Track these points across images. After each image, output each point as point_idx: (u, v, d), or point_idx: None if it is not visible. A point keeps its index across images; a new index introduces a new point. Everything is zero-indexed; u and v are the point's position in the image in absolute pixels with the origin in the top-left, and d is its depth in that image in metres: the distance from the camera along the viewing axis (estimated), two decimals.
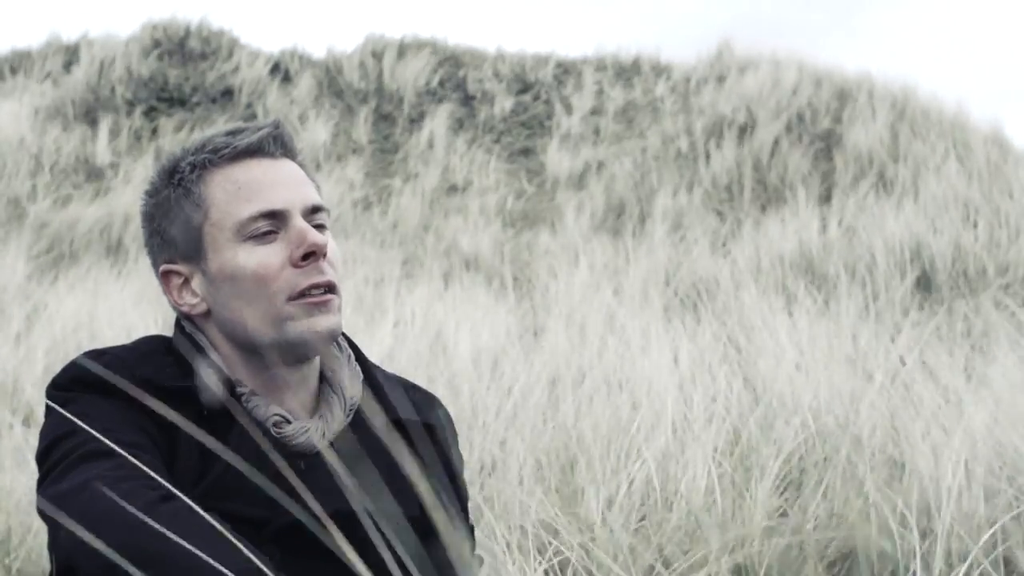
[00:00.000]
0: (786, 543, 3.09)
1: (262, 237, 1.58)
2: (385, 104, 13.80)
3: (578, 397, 4.12)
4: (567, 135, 12.90)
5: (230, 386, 1.58)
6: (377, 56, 14.48)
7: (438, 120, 13.17)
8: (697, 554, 2.95)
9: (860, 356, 4.80)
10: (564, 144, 12.67)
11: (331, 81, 14.19)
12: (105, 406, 1.52)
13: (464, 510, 1.77)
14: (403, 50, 14.53)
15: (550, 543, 2.98)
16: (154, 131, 13.13)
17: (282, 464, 1.56)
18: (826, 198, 10.83)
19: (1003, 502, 3.27)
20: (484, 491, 3.35)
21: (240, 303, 1.58)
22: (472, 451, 3.61)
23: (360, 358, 1.71)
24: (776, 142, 11.75)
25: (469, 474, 3.40)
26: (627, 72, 14.28)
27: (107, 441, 1.47)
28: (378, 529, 1.65)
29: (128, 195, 11.20)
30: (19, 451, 3.95)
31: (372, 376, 1.70)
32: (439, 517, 1.71)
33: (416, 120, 13.48)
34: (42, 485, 1.48)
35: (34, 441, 3.68)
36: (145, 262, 8.67)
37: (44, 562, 3.29)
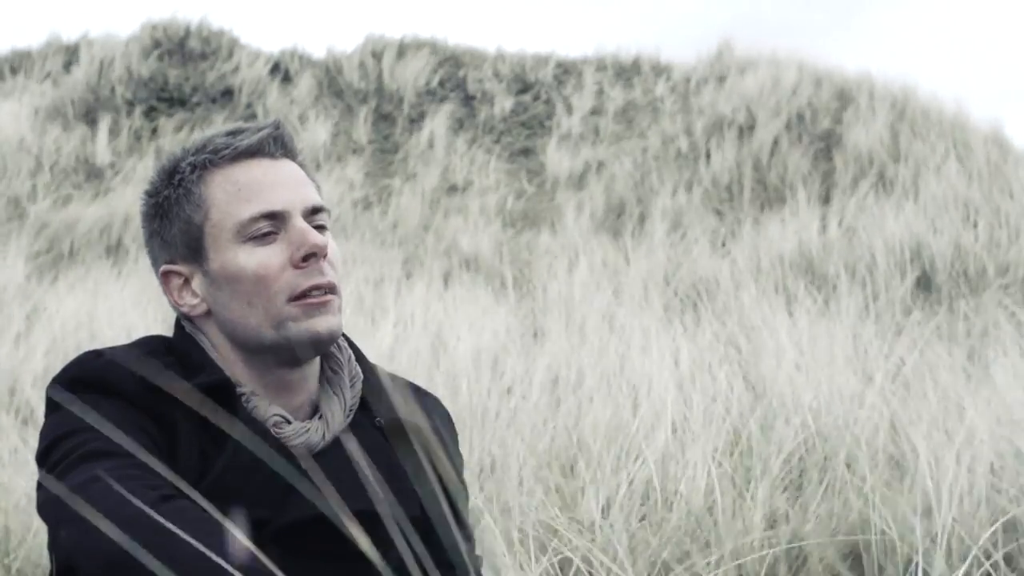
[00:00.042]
0: (786, 543, 3.09)
1: (262, 238, 1.58)
2: (385, 104, 13.80)
3: (578, 397, 4.12)
4: (567, 135, 12.90)
5: (230, 386, 1.58)
6: (377, 56, 14.48)
7: (438, 120, 13.17)
8: (697, 554, 2.95)
9: (860, 356, 4.79)
10: (564, 144, 12.68)
11: (331, 81, 14.19)
12: (105, 406, 1.52)
13: (464, 510, 1.77)
14: (403, 50, 14.53)
15: (551, 543, 2.98)
16: (154, 131, 13.13)
17: (286, 462, 1.56)
18: (826, 198, 10.84)
19: (1004, 502, 3.27)
20: (484, 491, 3.34)
21: (240, 304, 1.58)
22: (472, 451, 3.60)
23: (360, 358, 1.71)
24: (776, 142, 11.75)
25: (469, 474, 3.39)
26: (627, 72, 14.28)
27: (112, 438, 1.47)
28: (375, 529, 1.65)
29: (128, 195, 11.20)
30: (19, 451, 3.95)
31: (372, 376, 1.70)
32: (439, 518, 1.71)
33: (416, 120, 13.48)
34: (42, 485, 1.48)
35: (33, 441, 3.68)
36: (145, 262, 8.66)
37: (44, 562, 3.28)
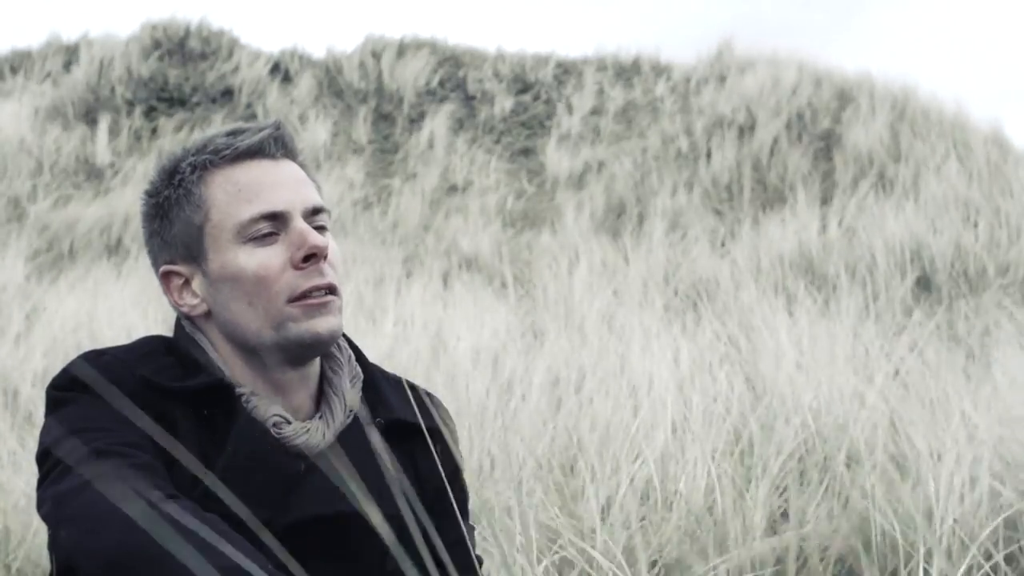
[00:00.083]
0: (787, 543, 3.09)
1: (263, 239, 1.58)
2: (385, 104, 13.80)
3: (578, 397, 4.12)
4: (567, 135, 12.90)
5: (230, 387, 1.58)
6: (377, 56, 14.48)
7: (438, 120, 13.17)
8: (697, 554, 2.95)
9: (860, 356, 4.79)
10: (564, 144, 12.67)
11: (331, 81, 14.19)
12: (105, 406, 1.52)
13: (464, 510, 1.77)
14: (403, 50, 14.53)
15: (551, 543, 2.98)
16: (154, 131, 13.13)
17: (287, 463, 1.56)
18: (826, 198, 10.83)
19: (1005, 502, 3.27)
20: (484, 491, 3.34)
21: (240, 304, 1.58)
22: (472, 451, 3.60)
23: (360, 359, 1.71)
24: (776, 142, 11.75)
25: (469, 474, 3.39)
26: (627, 72, 14.28)
27: (112, 437, 1.47)
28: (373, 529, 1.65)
29: (128, 195, 11.20)
30: (18, 451, 3.95)
31: (372, 377, 1.70)
32: (438, 517, 1.71)
33: (416, 120, 13.48)
34: (42, 485, 1.48)
35: (33, 441, 3.68)
36: (145, 262, 8.67)
37: (44, 562, 3.28)
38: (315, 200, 1.62)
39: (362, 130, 13.26)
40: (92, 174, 12.31)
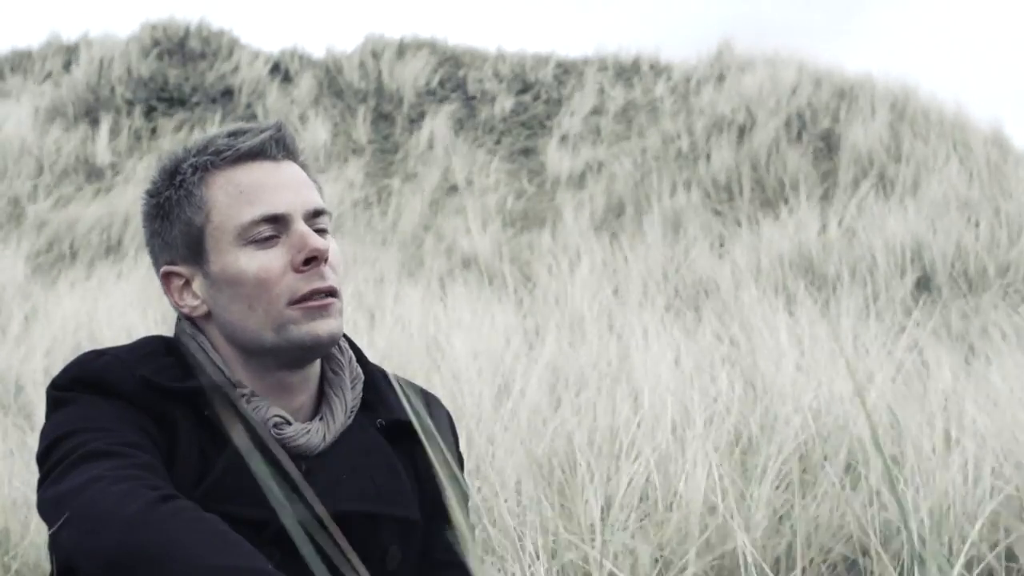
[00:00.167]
0: (787, 543, 3.09)
1: (264, 241, 1.58)
2: (385, 104, 13.80)
3: (578, 397, 4.12)
4: (567, 135, 12.90)
5: (230, 387, 1.58)
6: (377, 56, 14.47)
7: (438, 120, 13.17)
8: (697, 555, 2.95)
9: (861, 356, 4.79)
10: (564, 144, 12.67)
11: (331, 81, 14.19)
12: (105, 406, 1.52)
13: (465, 511, 1.77)
14: (403, 50, 14.53)
15: (552, 543, 2.97)
16: (154, 131, 13.13)
17: (287, 463, 1.56)
18: (826, 198, 10.83)
19: (1005, 501, 3.27)
20: (483, 492, 3.34)
21: (241, 306, 1.58)
22: (471, 451, 3.60)
23: (361, 359, 1.71)
24: (776, 142, 11.74)
25: (468, 474, 3.39)
26: (627, 72, 14.27)
27: (112, 438, 1.47)
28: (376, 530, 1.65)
29: (128, 195, 11.20)
30: (18, 451, 3.95)
31: (373, 377, 1.70)
32: (439, 518, 1.71)
33: (416, 120, 13.48)
34: (42, 485, 1.48)
35: (33, 441, 3.67)
36: (145, 262, 8.67)
37: (43, 562, 3.28)
38: (316, 202, 1.61)
39: (362, 130, 13.26)
40: (92, 174, 12.31)
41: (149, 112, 13.45)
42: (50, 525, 1.43)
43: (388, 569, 1.61)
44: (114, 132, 12.89)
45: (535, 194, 11.92)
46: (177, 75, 13.91)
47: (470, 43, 15.25)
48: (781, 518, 3.34)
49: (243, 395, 1.59)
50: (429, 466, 1.70)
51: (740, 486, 3.31)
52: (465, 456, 3.03)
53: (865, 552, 3.20)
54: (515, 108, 13.71)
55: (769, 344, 4.96)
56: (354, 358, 1.70)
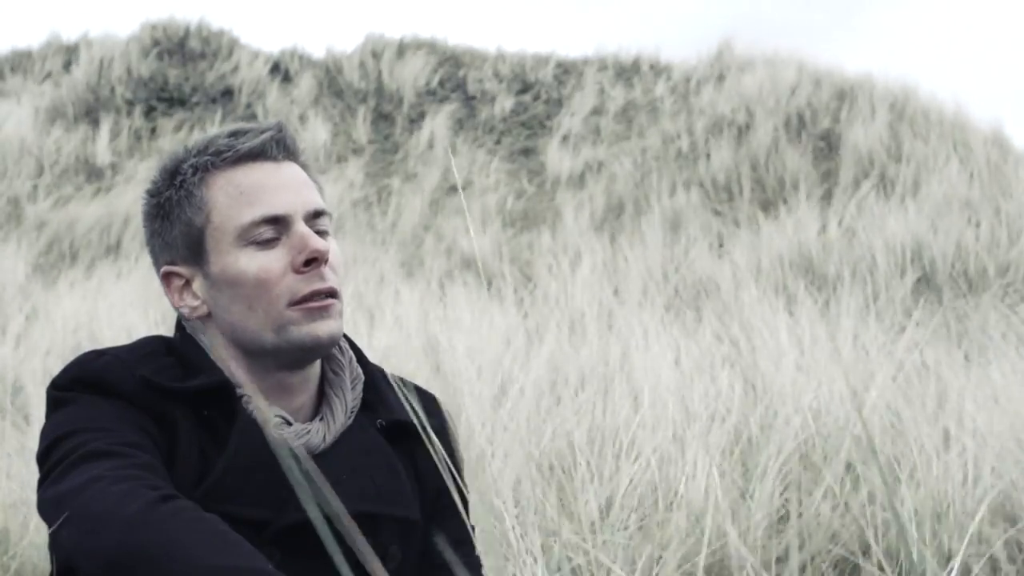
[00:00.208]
0: (788, 543, 3.09)
1: (264, 243, 1.58)
2: (385, 104, 13.80)
3: (578, 397, 4.12)
4: (567, 135, 12.90)
5: (231, 387, 1.58)
6: (377, 56, 14.47)
7: (438, 120, 13.17)
8: (698, 555, 2.95)
9: (861, 356, 4.79)
10: (564, 144, 12.67)
11: (331, 81, 14.19)
12: (105, 406, 1.52)
13: (464, 511, 1.77)
14: (403, 50, 14.53)
15: (553, 543, 2.97)
16: (154, 131, 13.13)
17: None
18: (826, 198, 10.83)
19: (1005, 501, 3.27)
20: (482, 492, 3.34)
21: (241, 307, 1.58)
22: (470, 451, 3.60)
23: (361, 359, 1.71)
24: (776, 142, 11.74)
25: (467, 474, 3.39)
26: (627, 72, 14.27)
27: (112, 438, 1.47)
28: (377, 531, 1.65)
29: (128, 195, 11.20)
30: (18, 451, 3.95)
31: (373, 378, 1.70)
32: (438, 518, 1.71)
33: (416, 120, 13.48)
34: (43, 485, 1.48)
35: (33, 441, 3.67)
36: (145, 262, 8.67)
37: (42, 562, 3.28)
38: (317, 203, 1.61)
39: (362, 130, 13.26)
40: (92, 174, 12.30)
41: (149, 112, 13.45)
42: (50, 525, 1.43)
43: (388, 569, 1.61)
44: (114, 132, 12.89)
45: (535, 194, 11.92)
46: (177, 75, 13.91)
47: (470, 43, 15.26)
48: (781, 518, 3.34)
49: (243, 395, 1.59)
50: (429, 466, 1.70)
51: (740, 486, 3.31)
52: (464, 455, 3.03)
53: (865, 552, 3.20)
54: (515, 108, 13.71)
55: (769, 344, 4.96)
56: (354, 358, 1.70)
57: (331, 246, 1.60)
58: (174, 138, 12.63)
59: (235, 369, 1.60)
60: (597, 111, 13.41)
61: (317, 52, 14.94)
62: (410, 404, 1.73)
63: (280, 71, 14.26)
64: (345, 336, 1.67)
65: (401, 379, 1.78)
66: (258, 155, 1.60)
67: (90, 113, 13.27)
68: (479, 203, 11.44)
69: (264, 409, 1.60)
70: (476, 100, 13.88)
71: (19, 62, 14.65)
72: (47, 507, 1.44)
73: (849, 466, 3.57)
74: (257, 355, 1.59)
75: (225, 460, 1.53)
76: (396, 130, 13.39)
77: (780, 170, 11.38)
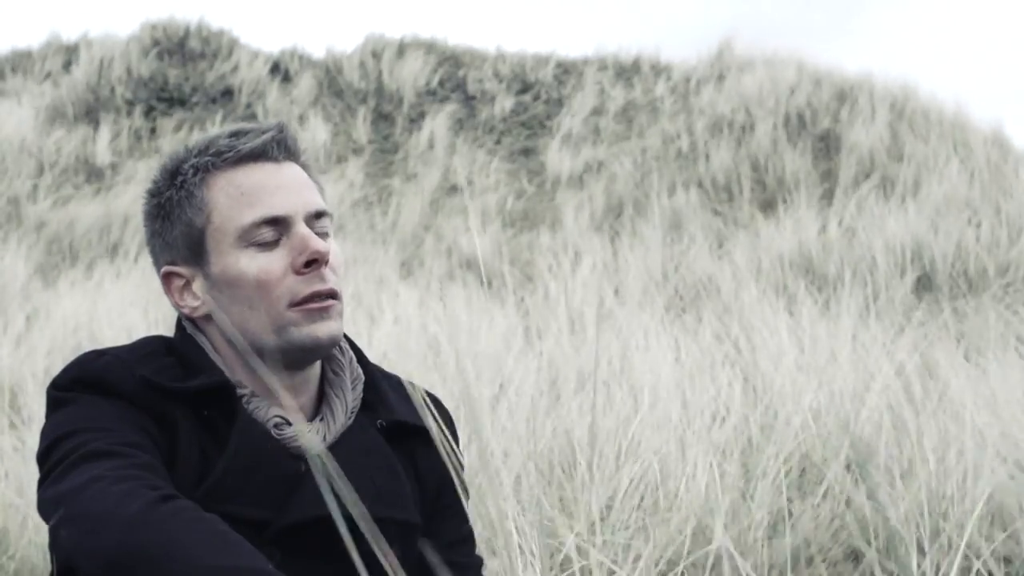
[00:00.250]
0: (788, 543, 3.09)
1: (265, 244, 1.57)
2: (385, 104, 13.80)
3: (578, 397, 4.12)
4: (567, 135, 12.89)
5: (231, 388, 1.58)
6: (377, 56, 14.47)
7: (438, 120, 13.17)
8: (698, 555, 2.95)
9: (861, 356, 4.79)
10: (564, 144, 12.67)
11: (331, 81, 14.19)
12: (106, 406, 1.52)
13: (464, 511, 1.77)
14: (403, 50, 14.53)
15: (557, 544, 2.97)
16: (154, 131, 13.13)
17: (284, 464, 1.56)
18: (826, 198, 10.84)
19: (1005, 501, 3.27)
20: (482, 491, 3.34)
21: (241, 308, 1.57)
22: (470, 451, 3.60)
23: (362, 360, 1.71)
24: (775, 142, 11.74)
25: (468, 474, 3.39)
26: (627, 72, 14.27)
27: (112, 438, 1.47)
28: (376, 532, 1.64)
29: (128, 195, 11.20)
30: (18, 451, 3.95)
31: (373, 378, 1.70)
32: (438, 518, 1.71)
33: (416, 120, 13.48)
34: (43, 485, 1.48)
35: (33, 441, 3.67)
36: (145, 262, 8.67)
37: (41, 562, 3.28)
38: (317, 204, 1.61)
39: (362, 130, 13.26)
40: (92, 174, 12.30)
41: (149, 112, 13.45)
42: (50, 525, 1.43)
43: (387, 570, 1.60)
44: (114, 132, 12.89)
45: (535, 194, 11.92)
46: (177, 75, 13.91)
47: (470, 43, 15.26)
48: (782, 518, 3.33)
49: (243, 395, 1.59)
50: (429, 466, 1.70)
51: (740, 486, 3.31)
52: (464, 456, 3.03)
53: (865, 552, 3.20)
54: (515, 108, 13.71)
55: (769, 344, 4.96)
56: (355, 359, 1.69)
57: (331, 247, 1.60)
58: (174, 138, 12.63)
59: (235, 369, 1.60)
60: (597, 111, 13.41)
61: (317, 52, 14.96)
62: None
63: (280, 71, 14.26)
64: (345, 336, 1.67)
65: (401, 379, 1.78)
66: (259, 156, 1.60)
67: (90, 113, 13.27)
68: (479, 203, 11.44)
69: (264, 409, 1.60)
70: (476, 100, 13.88)
71: (19, 62, 14.65)
72: (47, 507, 1.44)
73: (849, 466, 3.57)
74: (257, 355, 1.59)
75: (225, 460, 1.53)
76: (396, 130, 13.39)
77: (780, 170, 11.38)
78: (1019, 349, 5.27)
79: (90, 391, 1.53)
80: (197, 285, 1.61)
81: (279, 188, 1.59)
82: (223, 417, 1.56)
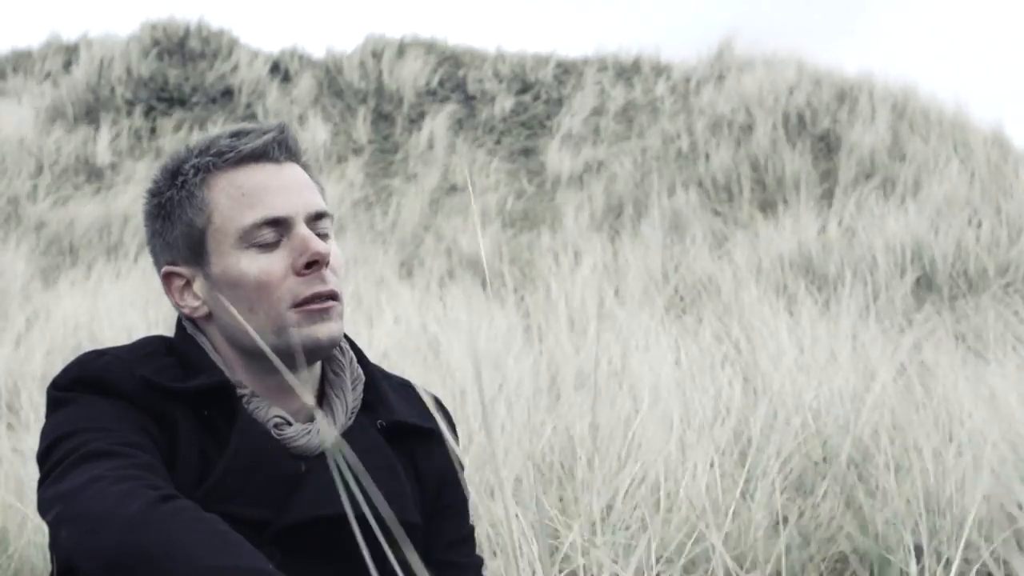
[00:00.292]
0: (788, 543, 3.09)
1: (265, 245, 1.57)
2: (385, 104, 13.80)
3: (578, 397, 4.12)
4: (567, 135, 12.89)
5: (231, 388, 1.58)
6: (377, 56, 14.47)
7: (438, 120, 13.17)
8: (698, 555, 2.95)
9: (861, 356, 4.79)
10: (564, 144, 12.67)
11: (331, 81, 14.18)
12: (106, 406, 1.52)
13: (464, 511, 1.77)
14: (403, 50, 14.52)
15: (557, 544, 2.97)
16: (154, 131, 13.13)
17: (285, 465, 1.56)
18: (826, 198, 10.84)
19: (1005, 501, 3.27)
20: (482, 491, 3.34)
21: (242, 309, 1.57)
22: (470, 451, 3.60)
23: (362, 360, 1.71)
24: (775, 142, 11.74)
25: (467, 474, 3.39)
26: (627, 72, 14.27)
27: (113, 438, 1.47)
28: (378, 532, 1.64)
29: (128, 195, 11.20)
30: (17, 451, 3.95)
31: (373, 378, 1.70)
32: (438, 518, 1.71)
33: (416, 120, 13.48)
34: (43, 485, 1.48)
35: (33, 441, 3.67)
36: (145, 262, 8.67)
37: (41, 562, 3.28)
38: (318, 205, 1.61)
39: (362, 130, 13.26)
40: (92, 174, 12.30)
41: (149, 112, 13.45)
42: (50, 525, 1.43)
43: (387, 569, 1.61)
44: (114, 132, 12.89)
45: (535, 194, 11.92)
46: (177, 75, 13.91)
47: (470, 43, 15.26)
48: (782, 518, 3.33)
49: (243, 396, 1.59)
50: (429, 466, 1.70)
51: (741, 487, 3.31)
52: (464, 456, 3.03)
53: (863, 552, 3.20)
54: (515, 108, 13.71)
55: (769, 344, 4.96)
56: (355, 359, 1.69)
57: (332, 248, 1.60)
58: (174, 138, 12.63)
59: (236, 369, 1.60)
60: (597, 111, 13.41)
61: (317, 52, 14.95)
62: (410, 405, 1.73)
63: (280, 71, 14.26)
64: (346, 337, 1.67)
65: (401, 379, 1.78)
66: (260, 156, 1.60)
67: (90, 113, 13.26)
68: (479, 203, 11.44)
69: (264, 409, 1.60)
70: (476, 100, 13.88)
71: (19, 62, 14.65)
72: (47, 507, 1.44)
73: (849, 466, 3.57)
74: (257, 356, 1.59)
75: (225, 460, 1.53)
76: (396, 130, 13.39)
77: (780, 170, 11.38)
78: (1019, 349, 5.27)
79: (90, 391, 1.53)
80: (197, 285, 1.61)
81: (280, 189, 1.59)
82: (223, 417, 1.56)
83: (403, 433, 1.68)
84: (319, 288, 1.57)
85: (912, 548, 2.91)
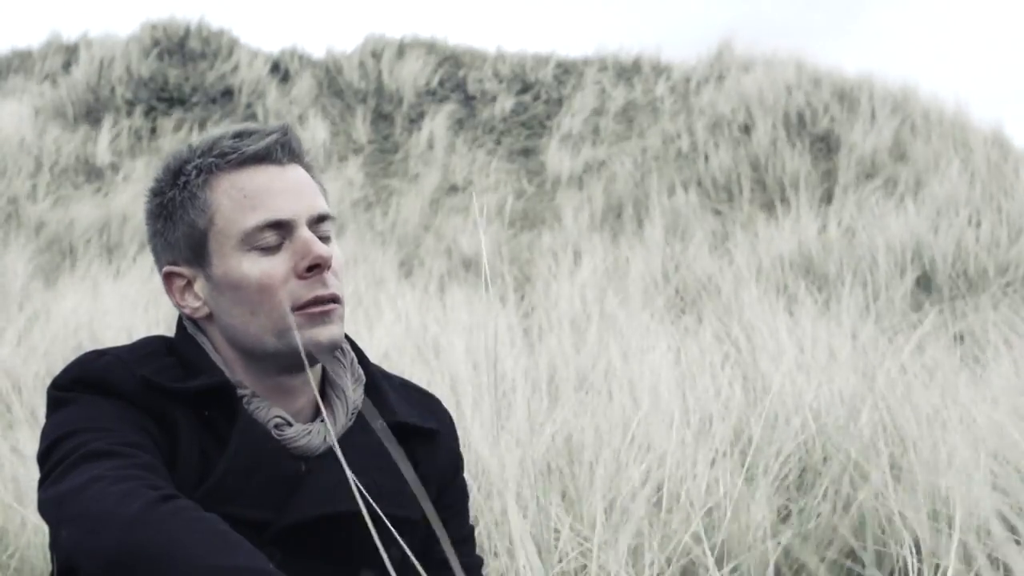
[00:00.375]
0: (788, 543, 3.09)
1: (267, 248, 1.57)
2: (385, 104, 13.80)
3: (578, 397, 4.12)
4: (567, 135, 12.89)
5: (231, 388, 1.58)
6: (377, 56, 14.47)
7: (438, 120, 13.17)
8: (698, 555, 2.95)
9: (861, 356, 4.79)
10: (564, 144, 12.67)
11: (331, 81, 14.18)
12: (106, 406, 1.52)
13: (464, 511, 1.77)
14: (403, 50, 14.52)
15: (556, 544, 2.97)
16: (154, 131, 13.13)
17: (285, 465, 1.56)
18: (826, 198, 10.84)
19: (1004, 501, 3.27)
20: (482, 491, 3.34)
21: (243, 311, 1.57)
22: (470, 451, 3.60)
23: (363, 361, 1.71)
24: (775, 142, 11.74)
25: (467, 474, 3.39)
26: (627, 72, 14.27)
27: (113, 438, 1.47)
28: (378, 532, 1.64)
29: (128, 195, 11.20)
30: (17, 451, 3.94)
31: (374, 379, 1.70)
32: (438, 520, 1.71)
33: (416, 120, 13.48)
34: (43, 485, 1.48)
35: (33, 441, 3.67)
36: (146, 262, 8.67)
37: (42, 562, 3.28)
38: (321, 208, 1.61)
39: (362, 130, 13.26)
40: (92, 174, 12.30)
41: (149, 112, 13.45)
42: (51, 525, 1.43)
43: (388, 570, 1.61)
44: (114, 132, 12.89)
45: (535, 194, 11.92)
46: (177, 75, 13.91)
47: (470, 43, 15.26)
48: (782, 518, 3.34)
49: (243, 396, 1.59)
50: (430, 466, 1.70)
51: (741, 486, 3.31)
52: (464, 456, 3.02)
53: (863, 552, 3.20)
54: (515, 108, 13.71)
55: (769, 344, 4.97)
56: (356, 360, 1.70)
57: (334, 251, 1.60)
58: (174, 138, 12.63)
59: (236, 369, 1.60)
60: (597, 111, 13.41)
61: (317, 52, 14.95)
62: (410, 405, 1.73)
63: (280, 71, 14.26)
64: (347, 337, 1.67)
65: (401, 380, 1.79)
66: (263, 158, 1.60)
67: (90, 113, 13.26)
68: (479, 203, 11.44)
69: (265, 410, 1.60)
70: (476, 100, 13.88)
71: (19, 62, 14.65)
72: (47, 507, 1.44)
73: (848, 466, 3.57)
74: (258, 358, 1.59)
75: (226, 461, 1.53)
76: (396, 130, 13.39)
77: (780, 170, 11.38)
78: (1019, 349, 5.27)
79: (91, 391, 1.53)
80: (198, 286, 1.61)
81: (283, 191, 1.59)
82: (224, 417, 1.56)
83: (404, 433, 1.68)
84: (320, 291, 1.56)
85: (912, 548, 2.92)
